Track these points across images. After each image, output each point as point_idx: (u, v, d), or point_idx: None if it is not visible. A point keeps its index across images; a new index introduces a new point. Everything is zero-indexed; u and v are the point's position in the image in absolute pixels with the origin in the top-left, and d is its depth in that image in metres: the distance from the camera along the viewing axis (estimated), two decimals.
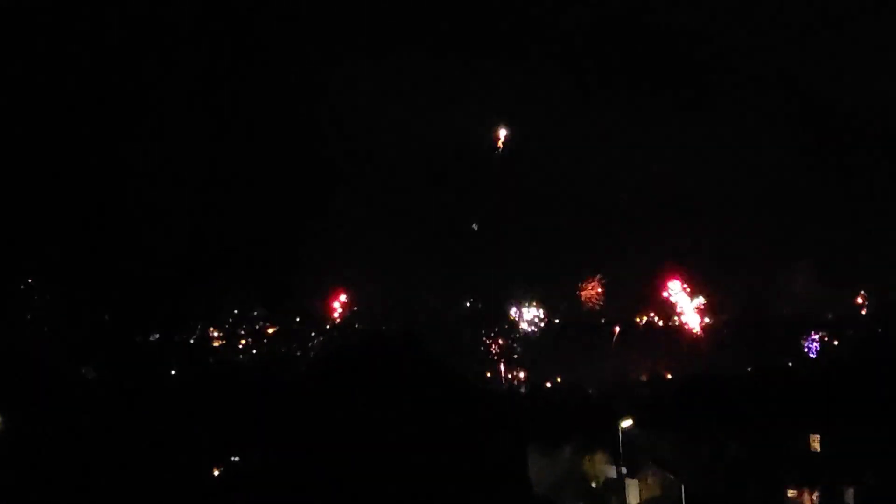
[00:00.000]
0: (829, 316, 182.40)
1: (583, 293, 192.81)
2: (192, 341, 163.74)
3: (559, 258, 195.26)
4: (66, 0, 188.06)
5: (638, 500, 78.27)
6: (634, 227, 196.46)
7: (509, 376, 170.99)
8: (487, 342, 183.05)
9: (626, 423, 73.03)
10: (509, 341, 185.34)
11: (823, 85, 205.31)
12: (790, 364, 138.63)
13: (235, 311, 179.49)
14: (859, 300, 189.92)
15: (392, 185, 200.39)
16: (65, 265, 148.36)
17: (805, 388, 80.00)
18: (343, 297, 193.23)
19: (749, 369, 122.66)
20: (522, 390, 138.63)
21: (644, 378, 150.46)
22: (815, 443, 72.37)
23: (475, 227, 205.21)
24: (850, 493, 69.46)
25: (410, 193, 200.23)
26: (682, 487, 61.14)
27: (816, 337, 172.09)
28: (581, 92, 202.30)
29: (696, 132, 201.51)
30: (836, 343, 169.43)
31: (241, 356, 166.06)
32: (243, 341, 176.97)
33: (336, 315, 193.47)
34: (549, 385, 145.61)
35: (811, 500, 71.43)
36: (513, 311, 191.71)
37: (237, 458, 58.96)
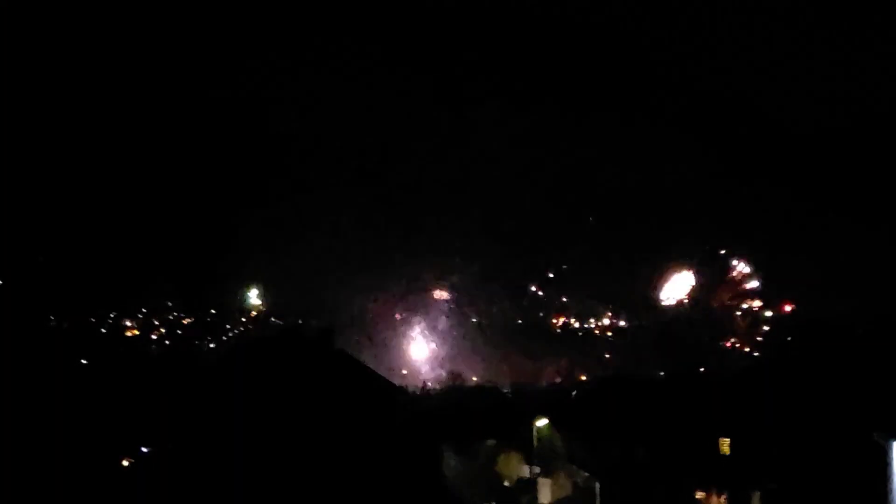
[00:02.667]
0: (742, 322, 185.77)
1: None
2: (103, 330, 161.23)
3: (480, 259, 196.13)
4: None
5: (550, 500, 78.73)
6: (554, 228, 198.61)
7: (425, 375, 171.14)
8: (408, 340, 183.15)
9: (541, 422, 73.31)
10: (428, 340, 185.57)
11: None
12: (702, 369, 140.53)
13: (149, 301, 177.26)
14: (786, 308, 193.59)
15: (316, 179, 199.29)
16: None
17: (716, 392, 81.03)
18: (259, 291, 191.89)
19: (662, 373, 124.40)
20: (438, 388, 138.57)
21: (558, 379, 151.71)
22: (725, 446, 73.35)
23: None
24: (756, 497, 70.53)
25: (335, 187, 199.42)
26: (598, 486, 61.53)
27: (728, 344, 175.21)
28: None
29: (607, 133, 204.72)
30: (746, 350, 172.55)
31: (153, 346, 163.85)
32: (156, 332, 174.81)
33: (252, 309, 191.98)
34: (464, 384, 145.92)
35: (719, 502, 72.42)
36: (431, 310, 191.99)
37: (147, 449, 58.04)
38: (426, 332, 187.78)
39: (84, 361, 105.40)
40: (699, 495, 73.67)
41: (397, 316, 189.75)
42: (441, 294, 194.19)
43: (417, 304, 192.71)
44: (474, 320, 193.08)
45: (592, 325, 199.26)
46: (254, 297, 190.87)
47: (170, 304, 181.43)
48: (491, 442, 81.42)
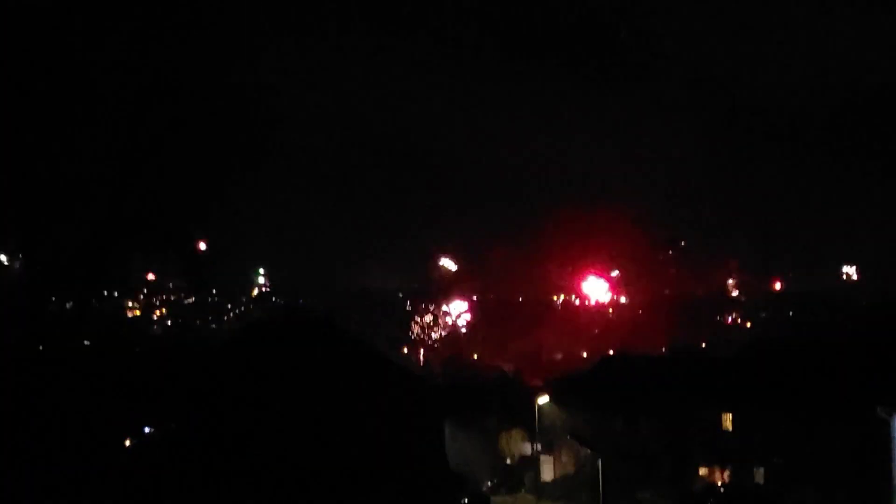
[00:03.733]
0: (743, 298, 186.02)
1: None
2: (106, 311, 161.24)
3: (479, 239, 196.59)
4: None
5: (552, 477, 78.89)
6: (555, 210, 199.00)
7: (425, 353, 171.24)
8: (410, 320, 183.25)
9: (543, 399, 73.30)
10: (429, 319, 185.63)
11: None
12: (703, 345, 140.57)
13: (151, 281, 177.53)
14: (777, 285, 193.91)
15: (318, 162, 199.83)
16: None
17: (718, 368, 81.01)
18: (262, 271, 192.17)
19: (664, 349, 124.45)
20: (439, 367, 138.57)
21: (560, 356, 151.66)
22: (728, 422, 73.36)
23: None
24: (760, 473, 70.61)
25: (337, 171, 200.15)
26: (601, 463, 61.52)
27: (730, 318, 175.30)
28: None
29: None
30: (748, 325, 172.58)
31: (155, 327, 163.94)
32: (158, 312, 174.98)
33: (254, 289, 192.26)
34: (466, 363, 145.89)
35: (722, 478, 72.51)
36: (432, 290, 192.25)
37: (151, 430, 58.03)
38: (425, 309, 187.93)
39: (86, 342, 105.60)
40: (702, 471, 73.82)
41: (399, 294, 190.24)
42: (441, 270, 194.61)
43: (416, 282, 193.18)
44: (474, 297, 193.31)
45: (593, 302, 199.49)
46: (258, 276, 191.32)
47: (171, 284, 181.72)
48: (493, 419, 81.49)
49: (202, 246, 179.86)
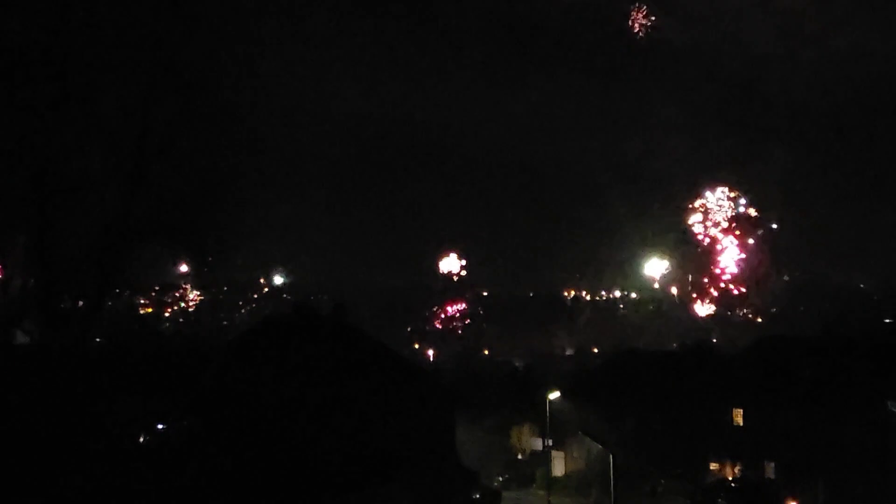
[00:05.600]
0: (753, 293, 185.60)
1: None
2: (117, 309, 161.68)
3: (490, 235, 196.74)
4: None
5: (563, 472, 79.10)
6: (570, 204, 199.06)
7: (436, 349, 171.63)
8: (421, 316, 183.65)
9: (554, 395, 73.62)
10: (440, 314, 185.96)
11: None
12: (714, 340, 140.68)
13: (163, 279, 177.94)
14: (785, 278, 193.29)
15: (327, 162, 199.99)
16: None
17: (729, 363, 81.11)
18: (273, 269, 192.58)
19: (675, 345, 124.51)
20: (451, 363, 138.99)
21: (570, 352, 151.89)
22: (738, 417, 73.50)
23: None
24: (770, 468, 70.71)
25: (344, 170, 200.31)
26: (612, 458, 61.58)
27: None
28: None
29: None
30: (759, 320, 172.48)
31: (167, 324, 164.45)
32: (169, 309, 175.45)
33: (264, 285, 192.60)
34: (477, 358, 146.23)
35: (733, 472, 72.66)
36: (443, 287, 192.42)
37: (163, 426, 58.27)
38: (435, 306, 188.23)
39: (98, 340, 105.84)
40: (713, 466, 73.98)
41: (410, 291, 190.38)
42: (451, 269, 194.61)
43: (428, 280, 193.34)
44: (485, 294, 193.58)
45: (604, 298, 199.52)
46: (268, 274, 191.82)
47: (182, 282, 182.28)
48: (504, 415, 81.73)
49: (213, 244, 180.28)
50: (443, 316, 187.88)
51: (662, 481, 71.42)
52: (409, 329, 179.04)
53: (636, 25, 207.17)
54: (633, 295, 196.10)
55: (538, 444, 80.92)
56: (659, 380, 77.48)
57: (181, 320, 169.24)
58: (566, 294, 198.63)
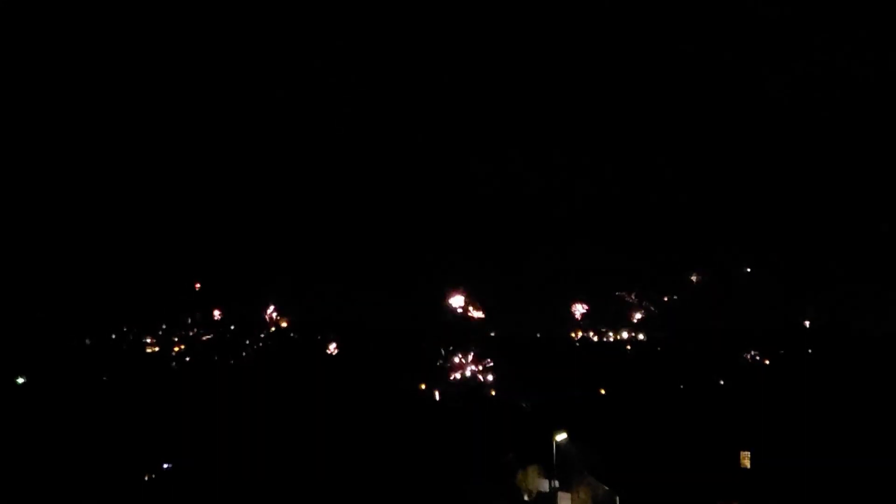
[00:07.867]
0: (761, 334, 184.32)
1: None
2: (124, 348, 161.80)
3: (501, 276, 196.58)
4: None
5: None
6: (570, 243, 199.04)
7: (443, 390, 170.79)
8: (428, 357, 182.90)
9: (561, 436, 73.09)
10: (448, 355, 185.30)
11: None
12: (721, 382, 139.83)
13: (170, 317, 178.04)
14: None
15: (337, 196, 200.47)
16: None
17: (736, 405, 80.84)
18: (274, 307, 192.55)
19: (681, 386, 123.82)
20: (457, 401, 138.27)
21: (578, 393, 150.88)
22: (746, 460, 73.06)
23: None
24: None
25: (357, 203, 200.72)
26: (618, 499, 61.27)
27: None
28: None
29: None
30: (766, 363, 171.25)
31: (174, 364, 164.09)
32: (177, 348, 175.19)
33: (272, 324, 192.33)
34: (483, 397, 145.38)
35: None
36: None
37: (168, 465, 58.28)
38: (443, 344, 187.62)
39: (105, 378, 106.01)
40: None
41: (416, 332, 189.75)
42: (456, 306, 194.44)
43: (434, 317, 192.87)
44: (493, 335, 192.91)
45: (611, 339, 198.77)
46: (276, 312, 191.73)
47: (190, 320, 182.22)
48: (511, 456, 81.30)
49: (219, 282, 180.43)
50: (451, 356, 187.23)
51: None
52: (416, 369, 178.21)
53: None
54: (641, 336, 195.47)
55: (545, 485, 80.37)
56: (665, 420, 77.17)
57: (188, 360, 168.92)
58: (573, 335, 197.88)
